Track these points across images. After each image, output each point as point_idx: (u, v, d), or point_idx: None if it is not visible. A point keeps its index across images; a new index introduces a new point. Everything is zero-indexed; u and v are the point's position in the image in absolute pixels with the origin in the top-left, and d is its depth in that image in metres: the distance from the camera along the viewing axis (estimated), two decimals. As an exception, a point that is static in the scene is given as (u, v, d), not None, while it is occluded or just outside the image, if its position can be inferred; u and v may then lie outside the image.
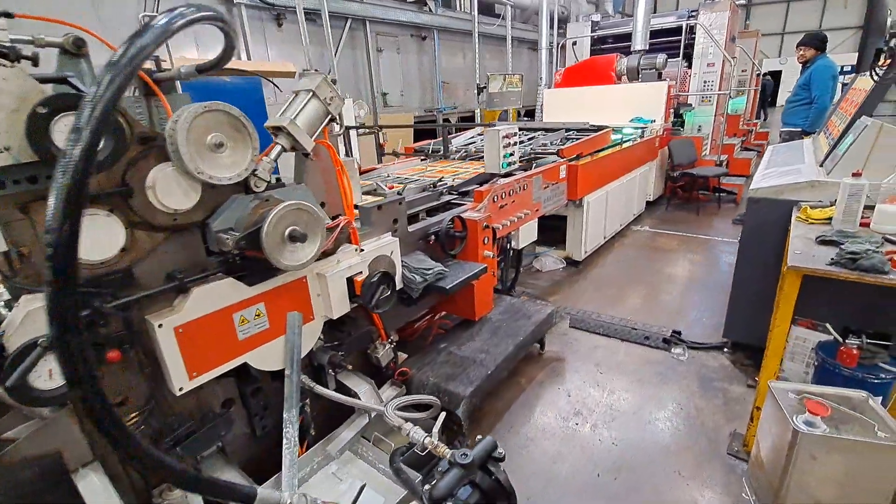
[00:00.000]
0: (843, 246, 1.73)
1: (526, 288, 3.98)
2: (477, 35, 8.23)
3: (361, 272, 1.77)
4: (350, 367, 1.88)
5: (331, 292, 1.66)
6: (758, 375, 2.03)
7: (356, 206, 1.91)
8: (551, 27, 8.22)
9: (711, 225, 5.45)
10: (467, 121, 9.37)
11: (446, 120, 8.25)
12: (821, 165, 2.57)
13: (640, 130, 5.38)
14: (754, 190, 2.53)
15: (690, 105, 6.80)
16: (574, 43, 8.08)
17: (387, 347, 2.07)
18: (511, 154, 2.89)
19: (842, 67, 18.93)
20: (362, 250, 1.80)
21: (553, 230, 4.45)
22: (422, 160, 4.33)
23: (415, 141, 6.91)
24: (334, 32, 7.43)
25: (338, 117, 1.65)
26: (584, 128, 4.73)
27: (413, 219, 2.45)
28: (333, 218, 1.71)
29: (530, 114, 9.55)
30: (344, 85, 7.83)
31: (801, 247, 1.85)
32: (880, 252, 1.66)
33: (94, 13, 4.93)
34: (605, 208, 4.51)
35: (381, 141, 5.32)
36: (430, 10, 8.83)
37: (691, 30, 6.69)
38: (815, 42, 4.44)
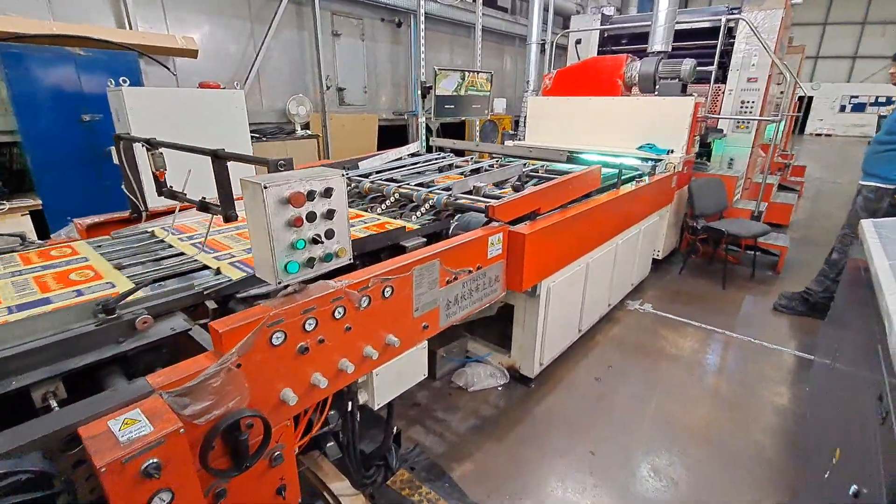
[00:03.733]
0: None
1: (425, 435, 2.34)
2: (423, 16, 6.60)
3: None
4: None
5: None
6: None
7: None
8: (544, 21, 6.54)
9: (744, 309, 3.76)
10: (450, 131, 7.71)
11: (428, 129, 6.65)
12: None
13: (650, 164, 3.72)
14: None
15: (721, 131, 5.11)
16: (578, 41, 6.39)
17: None
18: (316, 241, 1.20)
19: (876, 98, 17.17)
20: None
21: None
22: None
23: (380, 148, 5.31)
24: (269, 3, 5.86)
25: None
26: (556, 160, 3.06)
27: None
28: None
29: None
30: (281, 74, 6.24)
31: None
32: None
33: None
34: (582, 291, 2.85)
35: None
36: (407, -11, 7.21)
37: (729, 32, 5.00)
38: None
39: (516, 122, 7.91)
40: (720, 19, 4.67)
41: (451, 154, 3.51)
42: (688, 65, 4.20)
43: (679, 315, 3.60)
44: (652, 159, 3.87)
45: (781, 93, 7.58)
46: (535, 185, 2.67)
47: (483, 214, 1.99)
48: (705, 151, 5.22)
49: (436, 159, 3.30)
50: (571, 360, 2.97)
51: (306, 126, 6.29)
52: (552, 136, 4.68)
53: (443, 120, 5.25)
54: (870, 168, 3.07)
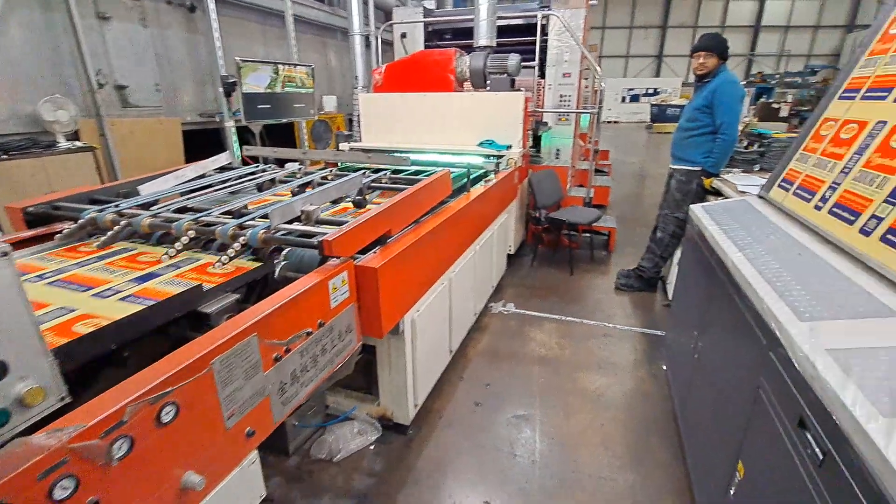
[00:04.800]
0: None
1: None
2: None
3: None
4: None
5: None
6: None
7: None
8: (365, 14, 6.13)
9: (592, 293, 3.94)
10: (279, 135, 6.73)
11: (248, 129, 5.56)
12: None
13: (493, 161, 3.61)
14: None
15: (546, 124, 5.39)
16: (404, 35, 6.14)
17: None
18: None
19: (646, 90, 21.05)
20: None
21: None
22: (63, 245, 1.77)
23: (189, 160, 4.20)
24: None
25: None
26: (399, 165, 2.70)
27: None
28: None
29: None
30: (22, 67, 4.62)
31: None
32: None
33: None
34: (448, 310, 2.55)
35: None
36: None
37: (543, 29, 5.27)
38: (721, 48, 3.13)
39: (350, 121, 7.37)
40: (535, 16, 4.84)
41: (274, 165, 2.86)
42: (514, 60, 4.23)
43: (540, 310, 3.59)
44: (494, 156, 3.78)
45: (587, 87, 8.52)
46: (380, 198, 2.24)
47: (316, 250, 1.48)
48: (535, 144, 5.47)
49: (252, 174, 2.63)
50: (447, 385, 2.65)
51: (75, 136, 4.78)
52: (390, 134, 4.31)
53: (265, 122, 4.44)
54: (678, 153, 3.40)
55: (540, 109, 5.23)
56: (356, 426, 2.22)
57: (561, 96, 5.41)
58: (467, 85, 4.49)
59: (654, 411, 2.47)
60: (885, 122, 1.53)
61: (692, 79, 3.46)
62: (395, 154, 3.62)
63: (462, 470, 2.09)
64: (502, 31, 5.26)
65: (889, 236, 1.27)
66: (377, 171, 2.63)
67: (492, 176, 3.36)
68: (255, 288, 1.66)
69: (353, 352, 1.69)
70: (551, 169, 4.83)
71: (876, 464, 0.75)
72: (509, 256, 4.27)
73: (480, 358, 2.97)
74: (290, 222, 1.68)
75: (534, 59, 4.92)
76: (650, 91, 23.31)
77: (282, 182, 2.47)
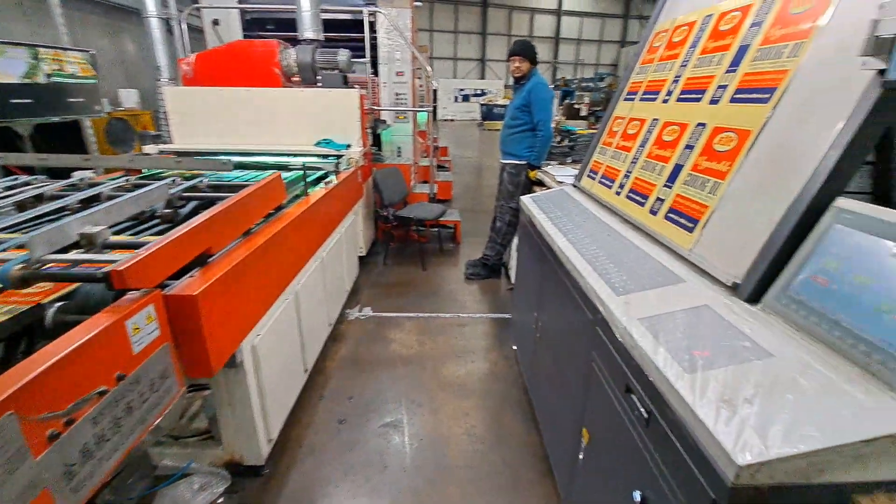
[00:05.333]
0: None
1: None
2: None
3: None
4: None
5: None
6: None
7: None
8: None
9: (445, 286, 4.06)
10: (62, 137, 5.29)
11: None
12: (736, 289, 1.15)
13: (333, 161, 3.43)
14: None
15: (385, 121, 5.38)
16: (216, 21, 5.45)
17: None
18: None
19: (475, 91, 22.75)
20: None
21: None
22: None
23: None
24: None
25: None
26: (220, 170, 2.36)
27: None
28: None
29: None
30: None
31: None
32: None
33: None
34: (298, 326, 2.33)
35: None
36: None
37: (371, 26, 5.21)
38: (532, 54, 3.48)
39: (158, 120, 6.30)
40: (361, 12, 4.74)
41: (45, 177, 2.23)
42: (344, 55, 4.07)
43: (398, 310, 3.56)
44: (333, 155, 3.60)
45: (421, 86, 8.76)
46: (195, 210, 1.91)
47: (104, 284, 1.16)
48: (376, 142, 5.42)
49: (10, 189, 2.00)
50: (306, 408, 2.44)
51: None
52: (209, 135, 3.77)
53: (27, 121, 3.44)
54: (506, 148, 3.70)
55: (377, 107, 5.17)
56: (196, 481, 1.87)
57: (397, 94, 5.44)
58: (297, 81, 4.18)
59: (509, 390, 2.64)
60: (657, 119, 1.84)
61: (511, 81, 3.79)
62: (215, 157, 3.17)
63: (331, 499, 1.93)
64: (330, 26, 5.04)
65: (671, 215, 1.52)
66: (192, 177, 2.24)
67: (333, 177, 3.18)
68: (19, 342, 1.25)
69: (176, 400, 1.39)
70: (395, 167, 4.82)
71: (687, 417, 0.86)
72: (361, 258, 4.15)
73: (341, 370, 2.80)
74: (64, 250, 1.30)
75: (364, 56, 4.83)
76: (478, 92, 25.28)
77: (55, 198, 1.93)
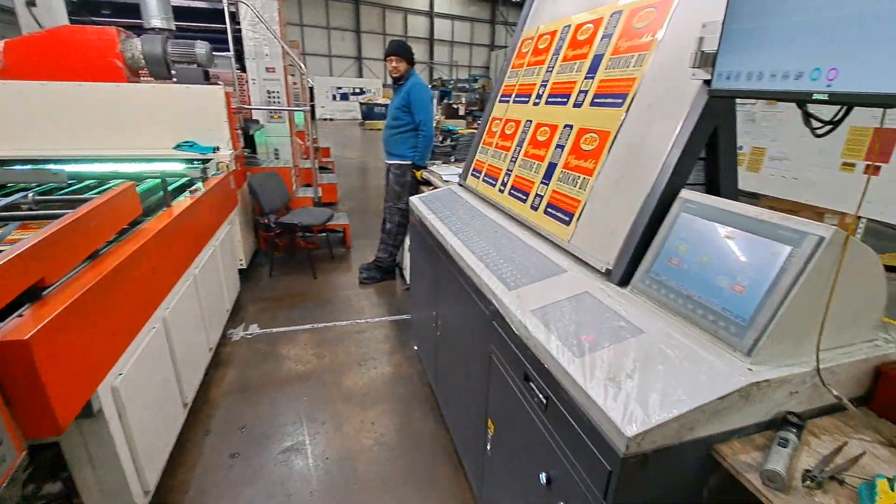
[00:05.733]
0: None
1: None
2: None
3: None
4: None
5: None
6: None
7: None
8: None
9: (339, 293, 3.91)
10: None
11: None
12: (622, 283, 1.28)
13: (199, 167, 3.07)
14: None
15: (258, 122, 4.98)
16: (32, 3, 4.51)
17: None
18: None
19: (353, 89, 22.32)
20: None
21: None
22: None
23: None
24: None
25: None
26: (53, 183, 1.97)
27: None
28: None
29: None
30: None
31: None
32: None
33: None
34: (171, 356, 2.04)
35: None
36: None
37: (233, 17, 4.77)
38: (409, 54, 3.49)
39: None
40: (221, 1, 4.31)
41: None
42: (203, 48, 3.66)
43: (289, 324, 3.33)
44: (198, 160, 3.22)
45: (295, 84, 8.32)
46: (20, 232, 1.56)
47: None
48: (249, 144, 4.99)
49: None
50: (191, 446, 2.15)
51: None
52: (32, 139, 3.12)
53: None
54: (389, 149, 3.67)
55: (248, 106, 4.77)
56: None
57: (269, 92, 5.07)
58: (145, 75, 3.65)
59: (415, 391, 2.64)
60: (531, 121, 1.97)
61: (390, 81, 3.78)
62: (42, 167, 2.64)
63: (226, 543, 1.74)
64: (183, 14, 4.50)
65: (549, 210, 1.64)
66: (11, 192, 1.83)
67: (199, 184, 2.84)
68: None
69: (14, 469, 1.12)
70: (273, 170, 4.50)
71: (581, 398, 0.93)
72: (243, 271, 3.80)
73: (229, 398, 2.53)
74: None
75: (228, 50, 4.41)
76: (357, 90, 24.82)
77: None
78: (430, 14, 27.69)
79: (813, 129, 0.87)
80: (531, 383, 1.16)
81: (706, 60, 1.06)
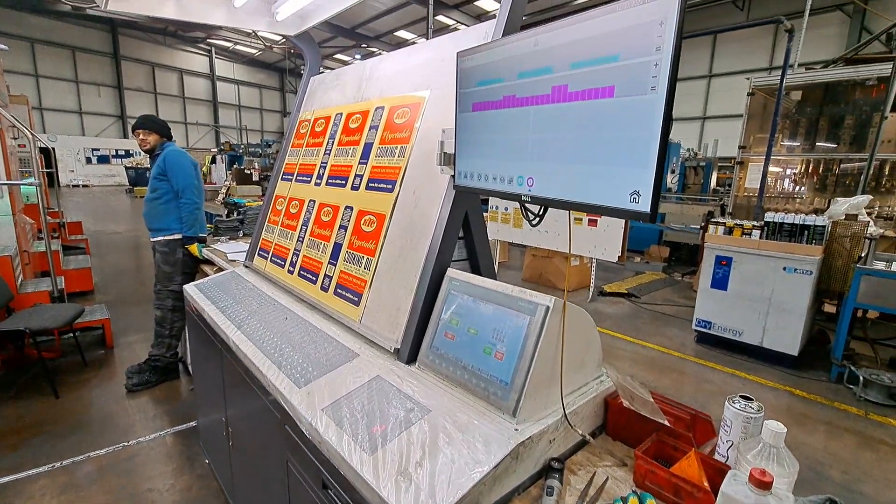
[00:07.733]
0: None
1: None
2: None
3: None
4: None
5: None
6: None
7: None
8: None
9: (100, 412, 3.04)
10: None
11: None
12: None
13: None
14: None
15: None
16: None
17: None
18: None
19: (116, 151, 19.41)
20: None
21: None
22: None
23: None
24: None
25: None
26: None
27: None
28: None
29: None
30: None
31: None
32: None
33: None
34: None
35: None
36: None
37: None
38: (157, 126, 3.19)
39: None
40: None
41: None
42: None
43: (15, 471, 2.41)
44: None
45: (20, 146, 6.64)
46: None
47: None
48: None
49: None
50: None
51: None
52: None
53: None
54: (152, 224, 3.17)
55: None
56: None
57: (-27, 161, 3.89)
58: None
59: (207, 518, 2.18)
60: (315, 200, 1.97)
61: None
62: None
63: None
64: None
65: (339, 290, 1.63)
66: None
67: None
68: None
69: None
70: (-20, 263, 3.38)
71: (376, 501, 0.89)
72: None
73: None
74: None
75: None
76: (121, 153, 21.29)
77: None
78: (212, 77, 26.17)
79: (529, 221, 1.09)
80: (329, 491, 1.07)
81: (448, 160, 1.23)
